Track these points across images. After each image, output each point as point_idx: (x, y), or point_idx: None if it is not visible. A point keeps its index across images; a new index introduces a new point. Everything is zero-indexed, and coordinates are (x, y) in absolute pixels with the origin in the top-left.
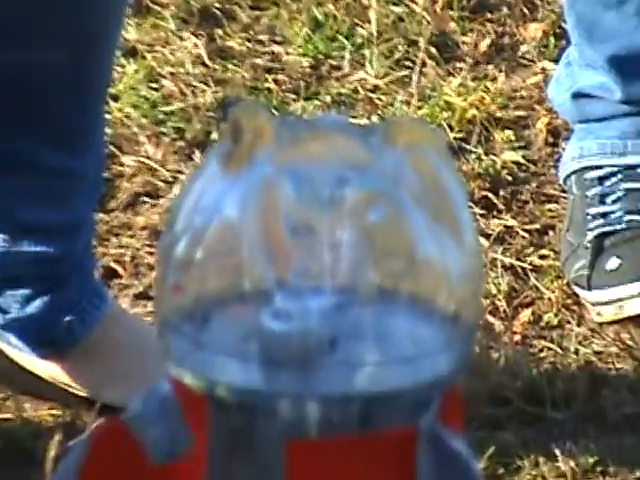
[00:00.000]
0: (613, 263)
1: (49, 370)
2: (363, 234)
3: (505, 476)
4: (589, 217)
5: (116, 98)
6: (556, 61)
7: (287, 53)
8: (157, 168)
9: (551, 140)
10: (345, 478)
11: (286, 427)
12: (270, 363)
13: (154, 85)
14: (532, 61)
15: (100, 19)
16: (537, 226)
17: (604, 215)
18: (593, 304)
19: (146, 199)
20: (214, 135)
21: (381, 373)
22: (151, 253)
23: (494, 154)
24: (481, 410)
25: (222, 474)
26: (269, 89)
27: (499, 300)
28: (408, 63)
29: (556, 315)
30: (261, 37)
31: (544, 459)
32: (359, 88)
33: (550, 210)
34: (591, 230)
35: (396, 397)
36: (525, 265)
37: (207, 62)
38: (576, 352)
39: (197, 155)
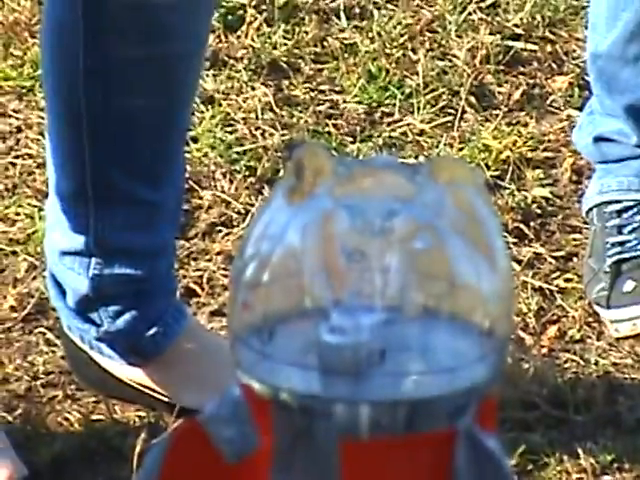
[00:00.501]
0: (629, 285)
1: (136, 377)
2: (409, 260)
3: (534, 471)
4: (608, 245)
5: (195, 140)
6: (580, 109)
7: (345, 101)
8: (231, 201)
9: (575, 178)
10: (392, 474)
11: (341, 428)
12: (327, 372)
13: (228, 129)
14: (559, 109)
15: (189, 73)
16: (562, 253)
17: (621, 244)
18: (611, 321)
19: (221, 228)
20: (281, 172)
21: (424, 381)
22: (225, 275)
23: (525, 190)
24: (512, 414)
25: (285, 470)
26: (329, 132)
27: (529, 318)
28: (451, 110)
29: (579, 331)
30: (322, 87)
31: (568, 457)
32: (408, 132)
33: (574, 239)
34: (610, 257)
35: (437, 402)
36: (552, 287)
37: (275, 109)
38: (596, 363)
39: (266, 190)
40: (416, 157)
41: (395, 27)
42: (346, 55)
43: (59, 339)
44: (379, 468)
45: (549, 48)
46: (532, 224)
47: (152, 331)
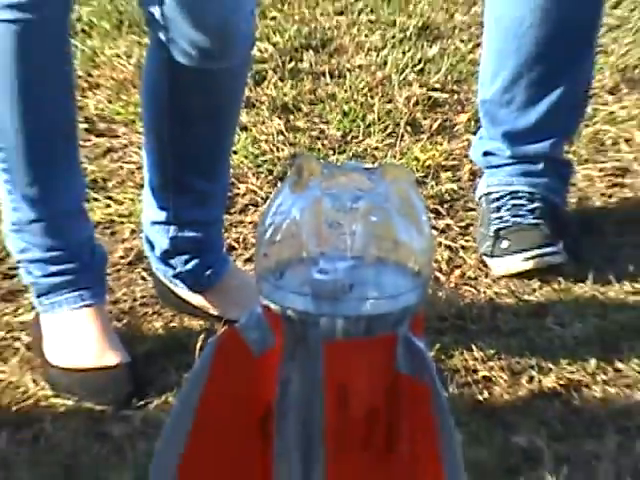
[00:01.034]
0: (505, 244)
1: (198, 300)
2: (368, 228)
3: (445, 360)
4: (491, 219)
5: (235, 152)
6: (474, 134)
7: (328, 129)
8: (257, 190)
9: (472, 177)
10: (357, 364)
11: (324, 334)
12: (316, 297)
13: (255, 146)
14: (462, 134)
15: (236, 110)
16: (463, 224)
17: (499, 218)
18: (493, 266)
19: (251, 207)
20: (288, 173)
21: (377, 304)
22: (253, 237)
23: (441, 185)
24: (431, 324)
25: (289, 360)
26: (319, 149)
27: (442, 264)
28: (394, 135)
29: (473, 272)
30: (314, 120)
31: (466, 351)
32: (367, 149)
33: (471, 215)
34: (493, 226)
35: (386, 317)
36: (457, 245)
37: (285, 133)
38: (484, 292)
39: (279, 184)
40: (372, 164)
41: (360, 83)
42: (329, 100)
43: (150, 276)
44: (349, 360)
45: (455, 96)
46: (445, 206)
47: (208, 272)
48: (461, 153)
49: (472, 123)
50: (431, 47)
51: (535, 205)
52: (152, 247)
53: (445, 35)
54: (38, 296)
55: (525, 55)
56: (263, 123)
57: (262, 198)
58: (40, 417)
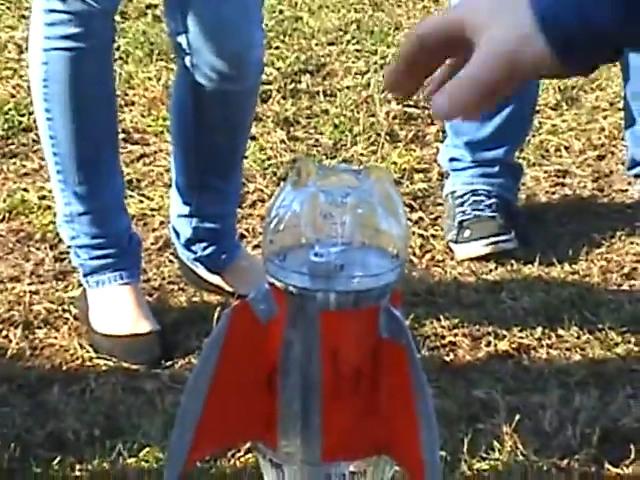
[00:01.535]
0: (467, 233)
1: (215, 279)
2: (355, 219)
3: (416, 326)
4: (456, 212)
5: (246, 157)
6: (442, 142)
7: (322, 139)
8: (263, 189)
9: (440, 178)
10: (348, 329)
11: (320, 306)
12: (312, 276)
13: (262, 152)
14: (432, 143)
15: (248, 122)
16: (433, 216)
17: (462, 212)
18: (458, 250)
19: (259, 203)
20: (289, 174)
21: (363, 281)
22: (261, 227)
23: (414, 184)
24: (406, 298)
25: (291, 327)
26: (314, 155)
27: (415, 249)
28: (376, 144)
29: (441, 256)
30: (310, 131)
31: (435, 319)
32: (354, 154)
33: (440, 209)
34: (457, 218)
35: (370, 292)
36: (428, 234)
37: (287, 142)
38: (450, 273)
39: (282, 184)
40: (359, 167)
41: (348, 101)
42: (323, 115)
43: (176, 259)
44: (340, 327)
45: (427, 112)
46: (417, 201)
47: (223, 256)
48: (431, 158)
49: (440, 134)
50: None
51: (492, 201)
52: (177, 235)
53: None
54: (85, 275)
55: None
56: (268, 134)
57: (268, 195)
58: (85, 375)
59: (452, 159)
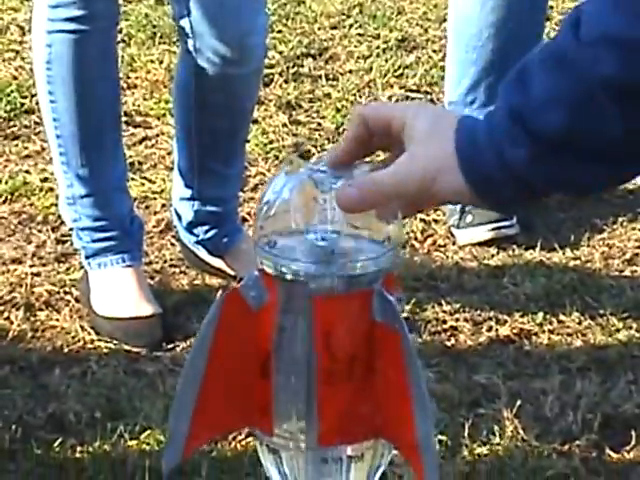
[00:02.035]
0: (469, 218)
1: (216, 262)
2: None
3: (415, 312)
4: None
5: (248, 141)
6: None
7: (324, 123)
8: (265, 173)
9: None
10: (341, 313)
11: (312, 290)
12: (304, 261)
13: (264, 136)
14: None
15: (250, 108)
16: None
17: None
18: (459, 236)
19: (260, 186)
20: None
21: (355, 265)
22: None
23: None
24: (406, 283)
25: (283, 312)
26: (316, 139)
27: (417, 234)
28: None
29: (443, 241)
30: (313, 115)
31: (437, 305)
32: None
33: None
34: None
35: (363, 276)
36: (429, 219)
37: (288, 126)
38: (452, 258)
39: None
40: None
41: (350, 85)
42: (325, 99)
43: (178, 242)
44: (333, 312)
45: (428, 96)
46: None
47: (225, 239)
48: None
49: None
50: (408, 56)
51: None
52: (179, 218)
53: (420, 46)
54: (86, 258)
55: (483, 64)
56: (271, 117)
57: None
58: (87, 357)
59: None
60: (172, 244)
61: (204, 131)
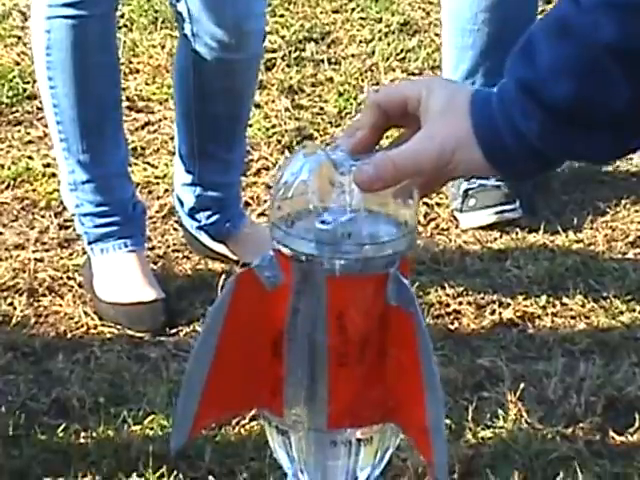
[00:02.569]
0: (472, 202)
1: (218, 248)
2: None
3: (422, 295)
4: (462, 181)
5: (250, 125)
6: None
7: (327, 107)
8: (268, 157)
9: None
10: (355, 295)
11: (326, 271)
12: (319, 243)
13: (267, 119)
14: None
15: (250, 92)
16: None
17: (468, 180)
18: (462, 219)
19: (263, 171)
20: (293, 143)
21: (371, 248)
22: (265, 195)
23: None
24: (411, 266)
25: (298, 294)
26: (319, 122)
27: (420, 217)
28: None
29: (446, 224)
30: (315, 99)
31: (440, 287)
32: None
33: None
34: (462, 187)
35: (378, 259)
36: (433, 202)
37: (291, 110)
38: (455, 241)
39: (286, 152)
40: None
41: (353, 69)
42: (328, 83)
43: (181, 227)
44: (348, 294)
45: None
46: None
47: (227, 224)
48: None
49: None
50: (411, 40)
51: None
52: (181, 204)
53: (422, 30)
54: (89, 243)
55: (480, 48)
56: (273, 102)
57: (272, 163)
58: (90, 342)
59: None
60: (175, 229)
61: (204, 116)
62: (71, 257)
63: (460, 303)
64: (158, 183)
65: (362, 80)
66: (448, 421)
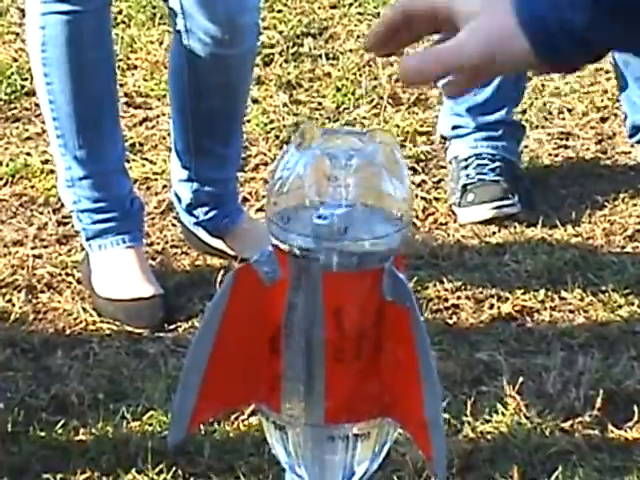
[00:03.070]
0: (470, 197)
1: (217, 243)
2: (359, 181)
3: (419, 290)
4: (460, 176)
5: (249, 121)
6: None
7: (325, 102)
8: (266, 152)
9: (443, 141)
10: (351, 290)
11: (323, 267)
12: (316, 237)
13: (265, 115)
14: (434, 106)
15: (245, 86)
16: (436, 179)
17: (467, 175)
18: (461, 214)
19: (261, 166)
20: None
21: (367, 243)
22: (264, 190)
23: (417, 147)
24: (409, 261)
25: (295, 289)
26: (317, 118)
27: (419, 212)
28: (379, 107)
29: (444, 219)
30: (314, 94)
31: (438, 283)
32: (357, 117)
33: (443, 172)
34: (460, 182)
35: (374, 254)
36: (431, 197)
37: (289, 105)
38: (454, 236)
39: (284, 147)
40: (362, 129)
41: (351, 64)
42: (325, 78)
43: (179, 222)
44: (344, 289)
45: None
46: (420, 164)
47: (225, 220)
48: (434, 121)
49: (443, 97)
50: None
51: (496, 164)
52: (179, 200)
53: None
54: (87, 239)
55: None
56: (271, 97)
57: (270, 158)
58: (89, 338)
59: (455, 127)
60: (173, 225)
61: (199, 112)
62: (69, 253)
63: (459, 297)
64: (156, 179)
65: (360, 75)
66: (447, 415)
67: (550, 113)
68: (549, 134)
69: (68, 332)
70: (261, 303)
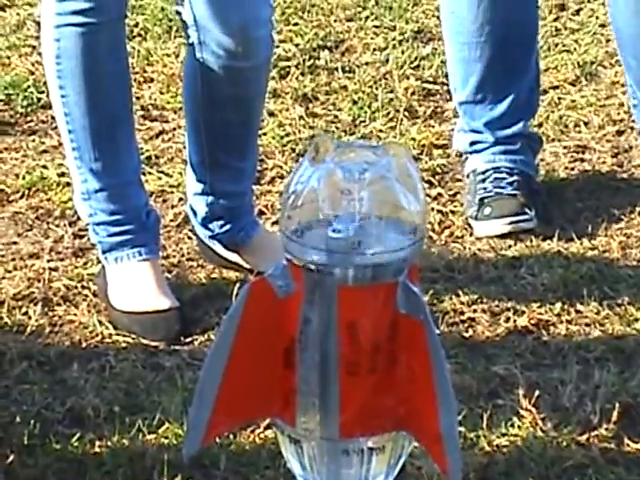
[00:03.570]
0: (487, 210)
1: (233, 257)
2: (373, 194)
3: (435, 302)
4: (478, 189)
5: (265, 134)
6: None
7: (341, 115)
8: (282, 165)
9: (459, 154)
10: (365, 304)
11: (337, 281)
12: (330, 252)
13: (281, 128)
14: (451, 119)
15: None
16: (452, 192)
17: (484, 189)
18: (477, 228)
19: (277, 180)
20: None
21: (381, 256)
22: (279, 203)
23: (433, 160)
24: (425, 274)
25: (309, 303)
26: (333, 131)
27: (435, 225)
28: (395, 120)
29: (460, 232)
30: (329, 107)
31: (454, 295)
32: (373, 131)
33: (459, 185)
34: (477, 195)
35: (388, 267)
36: (447, 210)
37: (305, 118)
38: (470, 249)
39: (299, 160)
40: (378, 142)
41: (367, 77)
42: (342, 91)
43: (195, 236)
44: (358, 302)
45: (445, 87)
46: (436, 177)
47: (241, 233)
48: (450, 134)
49: (458, 111)
50: (425, 47)
51: (514, 178)
52: (194, 213)
53: (436, 37)
54: (103, 252)
55: (487, 60)
56: (287, 110)
57: (286, 172)
58: (105, 351)
59: (473, 143)
60: (189, 238)
61: (213, 125)
62: (86, 266)
63: (475, 311)
64: (172, 192)
65: (376, 88)
66: (462, 429)
67: (566, 126)
68: (565, 147)
69: (84, 345)
70: (275, 316)
